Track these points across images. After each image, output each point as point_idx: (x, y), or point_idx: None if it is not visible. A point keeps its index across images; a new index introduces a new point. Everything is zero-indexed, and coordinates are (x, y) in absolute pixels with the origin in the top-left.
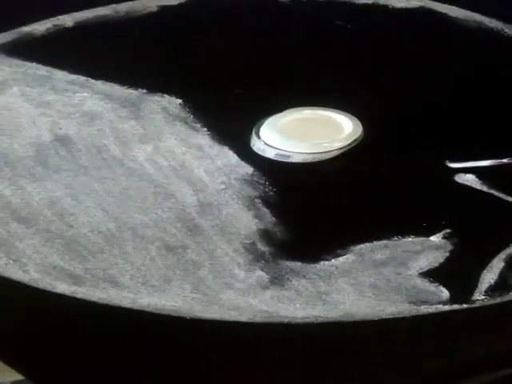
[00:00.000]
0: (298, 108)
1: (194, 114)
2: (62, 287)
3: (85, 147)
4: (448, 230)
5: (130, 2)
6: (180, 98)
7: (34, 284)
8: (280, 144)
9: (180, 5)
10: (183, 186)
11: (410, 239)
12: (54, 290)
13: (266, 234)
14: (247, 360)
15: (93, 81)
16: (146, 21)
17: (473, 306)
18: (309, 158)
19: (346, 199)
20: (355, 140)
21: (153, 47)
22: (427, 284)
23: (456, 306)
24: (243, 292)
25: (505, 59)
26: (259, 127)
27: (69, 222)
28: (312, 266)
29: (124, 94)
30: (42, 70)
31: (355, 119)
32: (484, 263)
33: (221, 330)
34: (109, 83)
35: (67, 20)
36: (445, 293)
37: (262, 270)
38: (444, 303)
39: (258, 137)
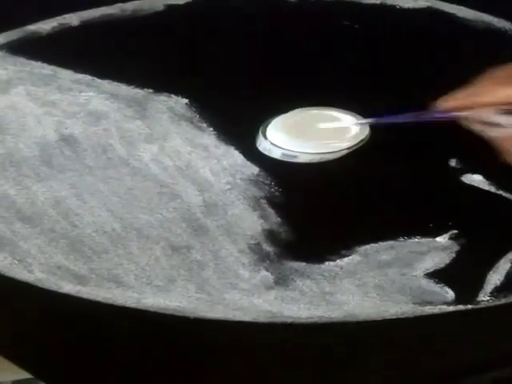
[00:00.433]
0: (305, 108)
1: (200, 113)
2: (67, 287)
3: (90, 147)
4: (455, 231)
5: (136, 1)
6: (186, 98)
7: (38, 284)
8: (286, 144)
9: (186, 4)
10: (188, 186)
11: (416, 240)
12: (59, 290)
13: (271, 235)
14: (251, 360)
15: (99, 80)
16: (153, 20)
17: (477, 307)
18: (315, 158)
19: (351, 200)
20: (362, 140)
21: (159, 47)
22: (432, 285)
23: (460, 307)
24: (247, 292)
25: None
26: (266, 127)
27: (74, 221)
28: (317, 266)
29: (130, 94)
30: (47, 69)
31: (362, 119)
32: (490, 264)
33: (225, 329)
34: (115, 83)
35: (73, 19)
36: (450, 293)
37: (267, 271)
38: (449, 304)
39: (265, 137)
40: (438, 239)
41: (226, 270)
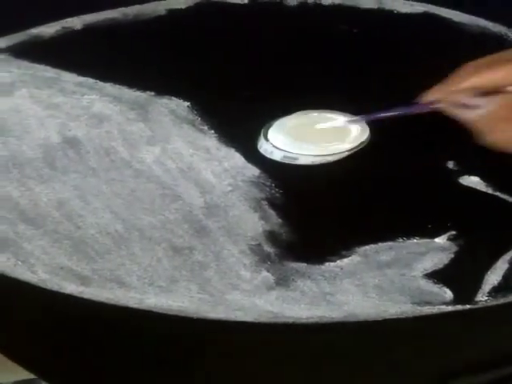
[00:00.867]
0: (306, 111)
1: (202, 116)
2: (70, 288)
3: (93, 149)
4: (453, 232)
5: (138, 6)
6: (188, 101)
7: (42, 285)
8: (287, 146)
9: (188, 8)
10: (190, 188)
11: (415, 241)
12: (62, 291)
13: (271, 236)
14: (252, 359)
15: (101, 83)
16: (155, 24)
17: (475, 306)
18: (316, 161)
19: (351, 201)
20: (362, 142)
21: (161, 50)
22: (431, 285)
23: (459, 307)
24: (249, 293)
25: None
26: (267, 129)
27: (77, 223)
28: (317, 267)
29: (132, 97)
30: (50, 72)
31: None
32: (488, 265)
33: (227, 330)
34: (117, 86)
35: (76, 22)
36: (448, 294)
37: (268, 271)
38: (447, 304)
39: (266, 139)
40: (436, 240)
41: (228, 271)
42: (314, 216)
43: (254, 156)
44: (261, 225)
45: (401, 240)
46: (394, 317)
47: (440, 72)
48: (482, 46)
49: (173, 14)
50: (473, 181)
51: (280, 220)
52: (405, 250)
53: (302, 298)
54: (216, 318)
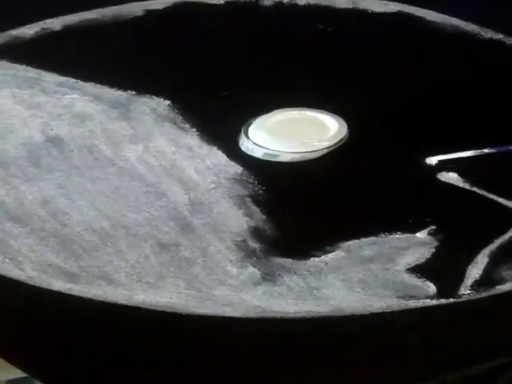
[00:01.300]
0: (285, 109)
1: (183, 115)
2: (58, 285)
3: (76, 148)
4: (433, 227)
5: (116, 7)
6: (168, 100)
7: (30, 282)
8: (268, 143)
9: (166, 9)
10: (174, 186)
11: (397, 236)
12: (51, 288)
13: (256, 232)
14: (241, 354)
15: (82, 83)
16: (133, 24)
17: (459, 300)
18: (296, 157)
19: (333, 197)
20: (341, 140)
21: (140, 50)
22: (414, 279)
23: (443, 301)
24: (236, 288)
25: (480, 61)
26: (248, 127)
27: (63, 221)
28: (302, 262)
29: (113, 96)
30: (31, 72)
31: (340, 119)
32: (469, 259)
33: (215, 325)
34: (98, 85)
35: (55, 24)
36: (432, 288)
37: (254, 267)
38: (431, 298)
39: (247, 137)
40: (417, 235)
41: (215, 267)
42: (298, 212)
43: (235, 154)
44: (245, 221)
45: (383, 235)
46: (380, 311)
47: (414, 70)
48: (454, 45)
49: (151, 14)
50: (451, 177)
51: (264, 216)
52: (387, 245)
53: (288, 293)
54: (204, 314)
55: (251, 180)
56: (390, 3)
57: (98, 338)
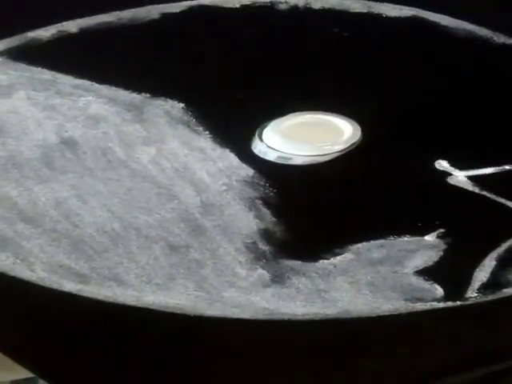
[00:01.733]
0: (300, 112)
1: (197, 117)
2: (69, 286)
3: (90, 149)
4: (442, 230)
5: (133, 10)
6: (183, 102)
7: (40, 283)
8: (282, 146)
9: (182, 12)
10: (186, 188)
11: (406, 239)
12: (61, 289)
13: (266, 234)
14: (249, 356)
15: (97, 85)
16: (149, 27)
17: (466, 303)
18: (308, 161)
19: (344, 200)
20: (354, 143)
21: (156, 53)
22: (422, 282)
23: (450, 304)
24: (245, 290)
25: (493, 66)
26: (262, 130)
27: (75, 222)
28: (311, 264)
29: (128, 98)
30: (47, 74)
31: (355, 123)
32: (476, 262)
33: (224, 326)
34: (113, 87)
35: (72, 26)
36: (439, 290)
37: (263, 269)
38: (438, 300)
39: (261, 139)
40: (426, 238)
41: (224, 269)
42: (307, 214)
43: (248, 156)
44: (255, 223)
45: (392, 238)
46: (387, 313)
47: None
48: (468, 50)
49: (167, 17)
50: (460, 180)
51: (274, 218)
52: (396, 248)
53: (297, 295)
54: (213, 315)
55: (262, 183)
56: (405, 8)
57: (108, 339)
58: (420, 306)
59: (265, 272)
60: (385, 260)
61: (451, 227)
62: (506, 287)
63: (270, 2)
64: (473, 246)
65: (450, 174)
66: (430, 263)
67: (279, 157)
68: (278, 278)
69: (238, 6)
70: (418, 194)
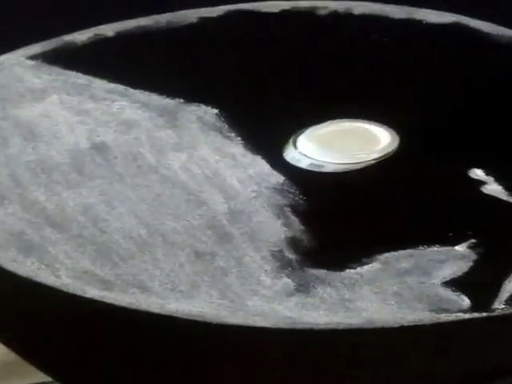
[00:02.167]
0: (338, 120)
1: (229, 124)
2: (92, 292)
3: (121, 155)
4: (473, 240)
5: (170, 13)
6: (216, 108)
7: (64, 289)
8: (314, 154)
9: (219, 17)
10: (215, 194)
11: (436, 248)
12: (84, 295)
13: (293, 242)
14: (270, 364)
15: (131, 90)
16: (186, 32)
17: (492, 314)
18: (341, 168)
19: (374, 209)
20: (389, 152)
21: (191, 58)
22: (449, 293)
23: (476, 315)
24: (269, 299)
25: None
26: (297, 137)
27: (101, 227)
28: (337, 273)
29: (161, 104)
30: (81, 78)
31: (393, 132)
32: (506, 273)
33: (245, 335)
34: (147, 92)
35: (108, 30)
36: (466, 301)
37: (288, 278)
38: (464, 311)
39: (295, 147)
40: (456, 248)
41: (249, 277)
42: (336, 223)
43: (279, 164)
44: (283, 231)
45: (421, 248)
46: (411, 324)
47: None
48: (510, 57)
49: (204, 22)
50: (495, 189)
51: (302, 227)
52: (425, 258)
53: (321, 305)
54: (235, 324)
55: (292, 190)
56: (447, 14)
57: (129, 346)
58: (444, 317)
59: (290, 281)
60: (413, 270)
61: (483, 237)
62: None
63: (311, 7)
64: (504, 257)
65: (485, 183)
66: (459, 274)
67: (311, 164)
68: (302, 287)
69: (277, 10)
70: (451, 203)
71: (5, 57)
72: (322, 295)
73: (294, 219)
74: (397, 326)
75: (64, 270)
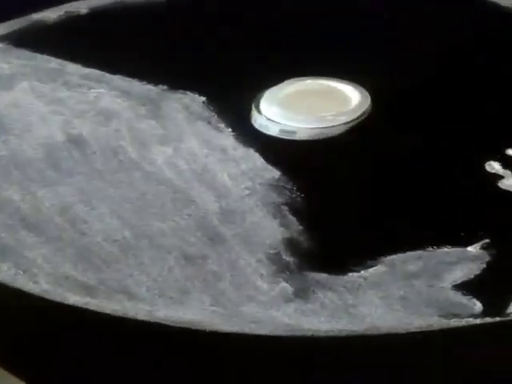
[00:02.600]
0: (297, 78)
1: (219, 113)
2: (74, 299)
3: (100, 149)
4: (487, 240)
5: None
6: (204, 96)
7: (44, 295)
8: (284, 119)
9: None
10: (204, 192)
11: (446, 249)
12: (66, 302)
13: (291, 244)
14: (267, 374)
15: (109, 75)
16: (169, 8)
17: (505, 319)
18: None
19: (380, 207)
20: (364, 113)
21: (175, 40)
22: (460, 297)
23: (488, 320)
24: (265, 305)
25: None
26: (259, 100)
27: (82, 229)
28: (339, 277)
29: (143, 91)
30: (53, 62)
31: (362, 89)
32: None
33: (240, 343)
34: (127, 78)
35: (81, 7)
36: (478, 306)
37: (286, 282)
38: (476, 316)
39: (259, 112)
40: (469, 249)
41: (243, 282)
42: (338, 222)
43: (273, 157)
44: (280, 232)
45: (431, 249)
46: (418, 330)
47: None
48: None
49: (190, 1)
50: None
51: (301, 227)
52: (434, 260)
53: (321, 311)
54: (229, 331)
55: (289, 186)
56: None
57: (115, 355)
58: (454, 323)
59: (288, 285)
60: (421, 273)
61: (497, 237)
62: None
63: None
64: None
65: (502, 178)
66: (471, 276)
67: (282, 130)
68: (301, 292)
69: None
70: (464, 200)
71: None
72: (323, 300)
73: (292, 219)
74: (403, 332)
75: (43, 275)
